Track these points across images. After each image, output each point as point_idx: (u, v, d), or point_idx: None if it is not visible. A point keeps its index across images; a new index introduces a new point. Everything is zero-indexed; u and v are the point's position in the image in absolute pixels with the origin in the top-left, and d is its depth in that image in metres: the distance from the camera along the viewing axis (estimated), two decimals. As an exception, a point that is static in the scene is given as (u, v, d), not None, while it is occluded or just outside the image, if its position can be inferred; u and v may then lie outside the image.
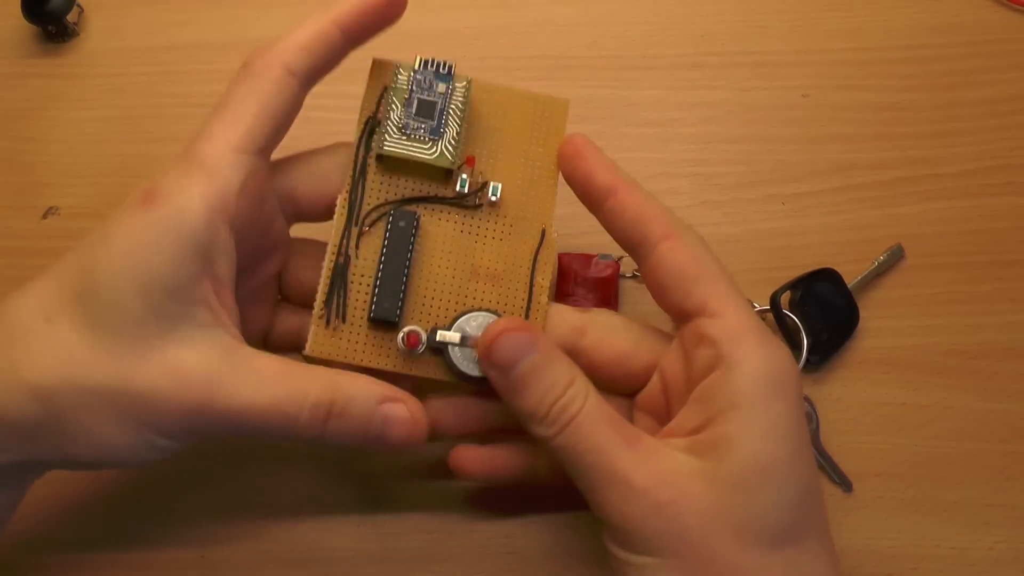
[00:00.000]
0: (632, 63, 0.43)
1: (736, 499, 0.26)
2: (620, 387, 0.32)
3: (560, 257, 0.38)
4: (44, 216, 0.41)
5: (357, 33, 0.30)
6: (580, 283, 0.37)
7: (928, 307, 0.39)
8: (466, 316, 0.30)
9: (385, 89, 0.31)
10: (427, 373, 0.31)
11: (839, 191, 0.41)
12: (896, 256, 0.39)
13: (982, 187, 0.41)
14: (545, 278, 0.31)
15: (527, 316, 0.31)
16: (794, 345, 0.38)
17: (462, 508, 0.36)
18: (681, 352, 0.30)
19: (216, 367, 0.26)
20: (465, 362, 0.30)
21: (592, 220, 0.32)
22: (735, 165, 0.41)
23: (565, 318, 0.31)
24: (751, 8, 0.44)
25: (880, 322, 0.39)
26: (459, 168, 0.31)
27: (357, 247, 0.31)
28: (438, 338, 0.30)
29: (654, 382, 0.31)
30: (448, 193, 0.31)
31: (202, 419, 0.26)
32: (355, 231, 0.31)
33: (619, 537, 0.27)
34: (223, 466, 0.37)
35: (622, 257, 0.38)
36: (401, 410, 0.29)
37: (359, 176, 0.31)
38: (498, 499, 0.36)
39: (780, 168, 0.41)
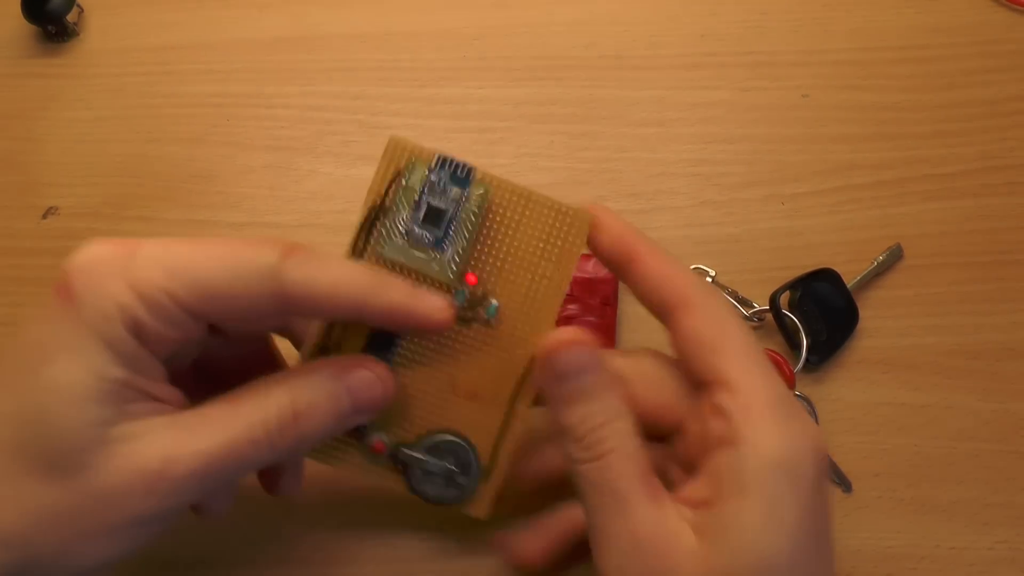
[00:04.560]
0: (632, 63, 0.43)
1: None
2: (659, 433, 0.31)
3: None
4: (44, 216, 0.41)
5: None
6: (580, 283, 0.37)
7: (928, 307, 0.39)
8: (433, 437, 0.30)
9: (397, 176, 0.29)
10: (385, 483, 0.31)
11: (839, 191, 0.41)
12: (895, 256, 0.39)
13: (982, 187, 0.41)
14: (526, 407, 0.30)
15: (497, 445, 0.30)
16: (794, 345, 0.38)
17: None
18: (702, 414, 0.29)
19: (163, 439, 0.26)
20: (424, 483, 0.30)
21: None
22: (735, 165, 0.41)
23: (610, 364, 0.30)
24: (751, 8, 0.44)
25: (880, 322, 0.39)
26: (459, 283, 0.29)
27: (340, 346, 0.30)
28: (400, 456, 0.30)
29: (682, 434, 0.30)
30: None
31: (173, 492, 0.26)
32: (338, 326, 0.30)
33: None
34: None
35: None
36: (363, 375, 0.28)
37: (355, 261, 0.30)
38: (497, 500, 0.36)
39: (780, 168, 0.41)
